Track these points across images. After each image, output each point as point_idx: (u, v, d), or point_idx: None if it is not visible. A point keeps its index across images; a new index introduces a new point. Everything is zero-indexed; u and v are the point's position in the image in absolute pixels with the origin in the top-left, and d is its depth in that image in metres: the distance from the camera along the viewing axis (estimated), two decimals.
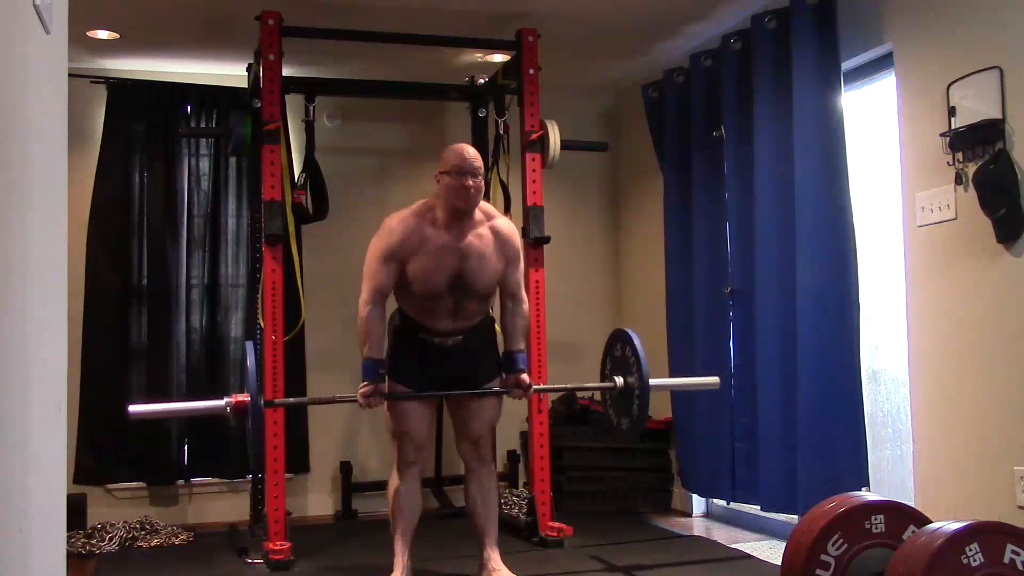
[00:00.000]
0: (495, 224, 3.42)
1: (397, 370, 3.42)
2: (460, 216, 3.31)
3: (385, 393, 3.35)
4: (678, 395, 4.93)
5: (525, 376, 3.46)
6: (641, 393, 3.43)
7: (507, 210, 4.71)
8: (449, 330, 3.40)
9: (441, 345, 3.42)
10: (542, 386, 3.94)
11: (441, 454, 5.15)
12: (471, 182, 3.26)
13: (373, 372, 3.30)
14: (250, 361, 3.26)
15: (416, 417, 3.41)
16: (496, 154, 4.88)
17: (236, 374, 5.10)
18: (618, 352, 3.61)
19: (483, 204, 3.44)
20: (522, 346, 3.49)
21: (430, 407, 3.47)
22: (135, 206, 5.04)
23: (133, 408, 3.28)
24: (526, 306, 3.52)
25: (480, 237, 3.36)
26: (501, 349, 3.59)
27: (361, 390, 3.29)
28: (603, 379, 3.71)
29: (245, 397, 3.20)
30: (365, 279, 3.36)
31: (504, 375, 3.49)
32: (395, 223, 3.34)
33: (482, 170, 3.33)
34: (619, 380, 3.55)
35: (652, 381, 3.43)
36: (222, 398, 3.26)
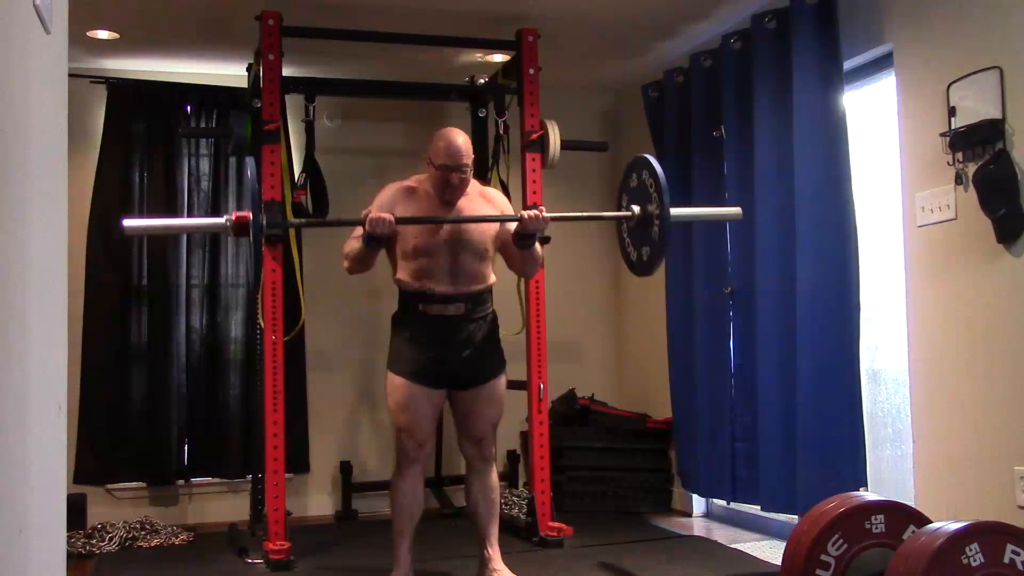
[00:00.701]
0: (483, 189, 3.55)
1: (398, 359, 3.41)
2: (448, 204, 3.39)
3: (397, 218, 3.24)
4: (678, 395, 4.92)
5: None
6: (661, 218, 3.23)
7: None
8: (449, 293, 3.37)
9: (441, 315, 3.38)
10: (556, 214, 3.47)
11: (441, 454, 5.15)
12: (457, 179, 3.32)
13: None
14: (251, 172, 3.22)
15: (418, 411, 3.39)
16: (496, 154, 4.88)
17: (236, 373, 5.10)
18: (634, 182, 3.43)
19: (471, 180, 3.49)
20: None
21: (433, 403, 3.45)
22: (135, 206, 5.04)
23: (128, 222, 3.17)
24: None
25: (471, 199, 3.44)
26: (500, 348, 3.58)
27: (368, 215, 3.24)
28: (619, 210, 3.53)
29: (246, 213, 3.12)
30: (352, 234, 3.40)
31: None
32: (389, 186, 3.48)
33: (471, 161, 3.37)
34: (636, 208, 3.38)
35: (673, 210, 3.26)
36: (222, 216, 3.18)
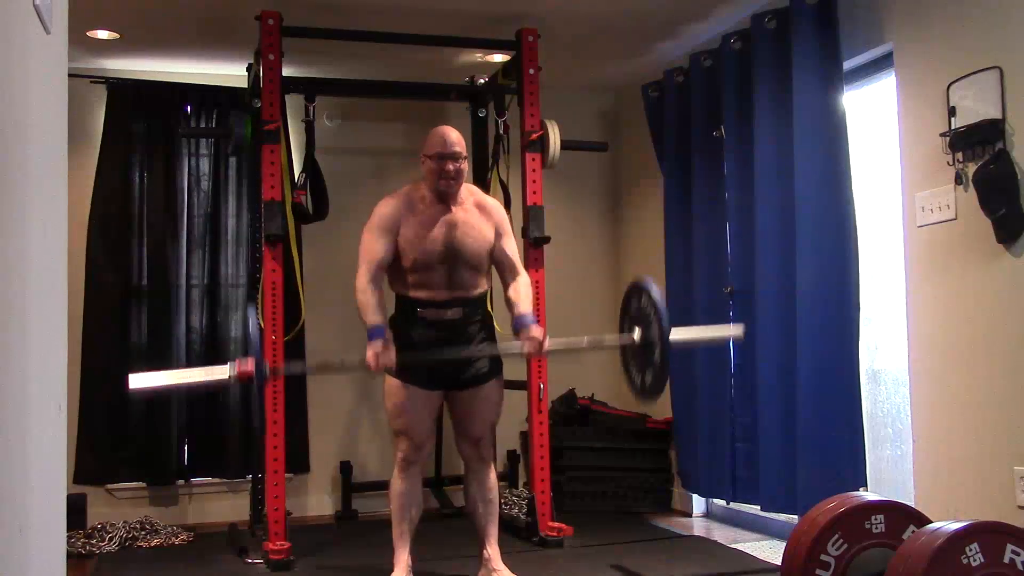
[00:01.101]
0: (479, 199, 3.53)
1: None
2: (444, 197, 3.39)
3: (395, 354, 3.24)
4: (678, 395, 4.92)
5: (536, 328, 3.35)
6: (662, 343, 3.25)
7: (507, 210, 4.71)
8: (446, 299, 3.39)
9: (440, 319, 3.39)
10: (556, 341, 3.47)
11: (441, 454, 5.15)
12: (452, 166, 3.34)
13: (380, 334, 3.24)
14: (252, 323, 3.22)
15: (416, 414, 3.40)
16: (496, 154, 4.88)
17: None
18: (634, 309, 3.45)
19: (469, 186, 3.52)
20: (528, 309, 3.41)
21: (431, 405, 3.46)
22: (135, 206, 5.04)
23: (133, 377, 3.16)
24: (526, 276, 3.52)
25: (466, 211, 3.44)
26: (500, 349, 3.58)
27: (370, 351, 3.21)
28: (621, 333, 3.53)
29: (249, 366, 3.13)
30: (361, 257, 3.39)
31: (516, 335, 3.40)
32: (385, 201, 3.46)
33: (464, 153, 3.39)
34: (637, 332, 3.39)
35: (674, 332, 3.26)
36: (225, 363, 3.18)
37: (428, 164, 3.37)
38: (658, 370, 3.32)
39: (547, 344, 3.33)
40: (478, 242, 3.41)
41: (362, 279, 3.34)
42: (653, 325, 3.29)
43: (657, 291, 3.32)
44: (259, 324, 4.27)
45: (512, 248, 3.51)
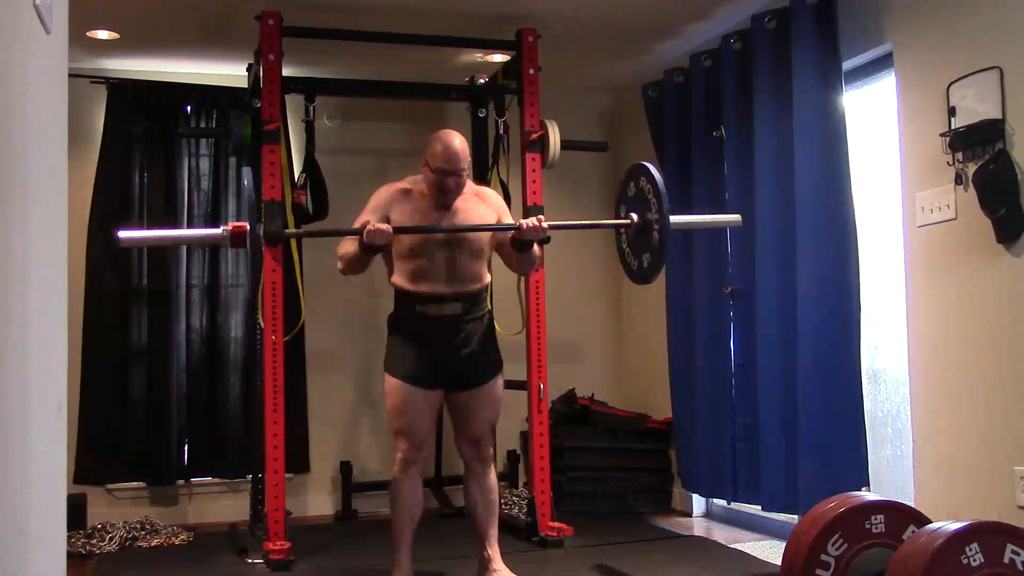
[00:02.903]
0: (476, 189, 3.55)
1: (395, 361, 3.41)
2: (443, 205, 3.39)
3: (391, 228, 3.23)
4: (678, 395, 4.92)
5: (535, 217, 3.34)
6: (661, 225, 3.21)
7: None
8: (446, 293, 3.36)
9: (439, 316, 3.37)
10: (555, 223, 3.41)
11: (441, 454, 5.15)
12: (453, 183, 3.33)
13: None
14: (247, 182, 3.21)
15: (416, 414, 3.39)
16: (496, 154, 4.88)
17: (236, 374, 5.10)
18: (632, 190, 3.41)
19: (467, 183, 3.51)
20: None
21: (430, 405, 3.46)
22: (135, 206, 5.03)
23: (124, 233, 3.16)
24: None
25: (466, 199, 3.44)
26: (500, 350, 3.58)
27: (367, 229, 3.21)
28: (617, 218, 3.52)
29: (244, 224, 3.12)
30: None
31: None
32: (385, 186, 3.48)
33: (467, 165, 3.39)
34: (635, 216, 3.36)
35: (673, 218, 3.25)
36: (219, 227, 3.17)
37: (429, 174, 3.35)
38: (656, 252, 3.29)
39: (544, 220, 3.32)
40: (477, 223, 3.41)
41: (341, 247, 3.40)
42: (652, 206, 3.27)
43: (658, 174, 3.29)
44: (259, 324, 4.27)
45: None
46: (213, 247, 5.08)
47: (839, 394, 3.83)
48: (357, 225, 3.33)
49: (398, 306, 3.47)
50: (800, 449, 3.92)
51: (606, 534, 4.50)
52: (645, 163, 3.39)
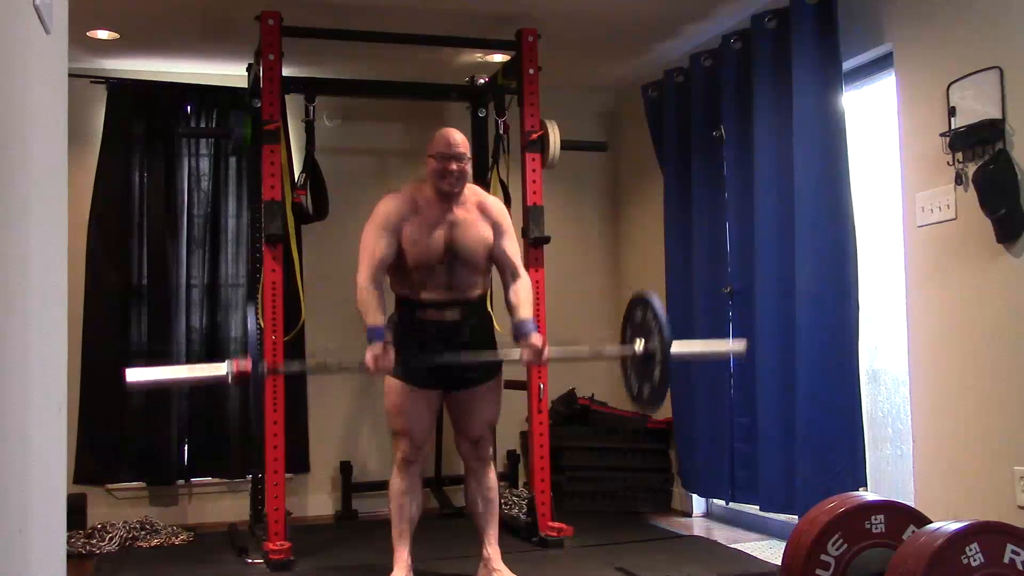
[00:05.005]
0: (481, 199, 3.53)
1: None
2: (447, 197, 3.38)
3: (394, 356, 3.22)
4: (678, 395, 4.92)
5: (536, 336, 3.34)
6: (662, 356, 3.24)
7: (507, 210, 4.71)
8: (446, 300, 3.38)
9: (439, 321, 3.38)
10: (556, 349, 3.48)
11: (441, 454, 5.15)
12: (455, 166, 3.34)
13: (379, 335, 3.23)
14: (251, 323, 3.21)
15: (415, 414, 3.40)
16: (496, 154, 4.88)
17: None
18: (638, 318, 3.43)
19: (472, 187, 3.52)
20: (528, 314, 3.40)
21: (430, 405, 3.46)
22: (135, 206, 5.04)
23: (131, 371, 3.14)
24: (527, 279, 3.51)
25: (467, 210, 3.44)
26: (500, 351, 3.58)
27: (369, 354, 3.19)
28: (623, 343, 3.51)
29: (247, 365, 3.12)
30: (362, 255, 3.36)
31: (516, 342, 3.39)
32: (388, 199, 3.45)
33: (467, 155, 3.40)
34: (639, 344, 3.38)
35: (675, 345, 3.25)
36: (223, 362, 3.16)
37: (431, 163, 3.37)
38: (657, 385, 3.31)
39: (547, 352, 3.33)
40: (476, 241, 3.41)
41: (363, 278, 3.33)
42: (655, 339, 3.28)
43: (659, 304, 3.30)
44: (259, 324, 4.27)
45: (512, 248, 3.50)
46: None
47: (838, 394, 3.84)
48: (365, 250, 3.33)
49: (398, 309, 3.48)
50: (799, 449, 3.92)
51: (606, 534, 4.49)
52: (647, 296, 3.36)
